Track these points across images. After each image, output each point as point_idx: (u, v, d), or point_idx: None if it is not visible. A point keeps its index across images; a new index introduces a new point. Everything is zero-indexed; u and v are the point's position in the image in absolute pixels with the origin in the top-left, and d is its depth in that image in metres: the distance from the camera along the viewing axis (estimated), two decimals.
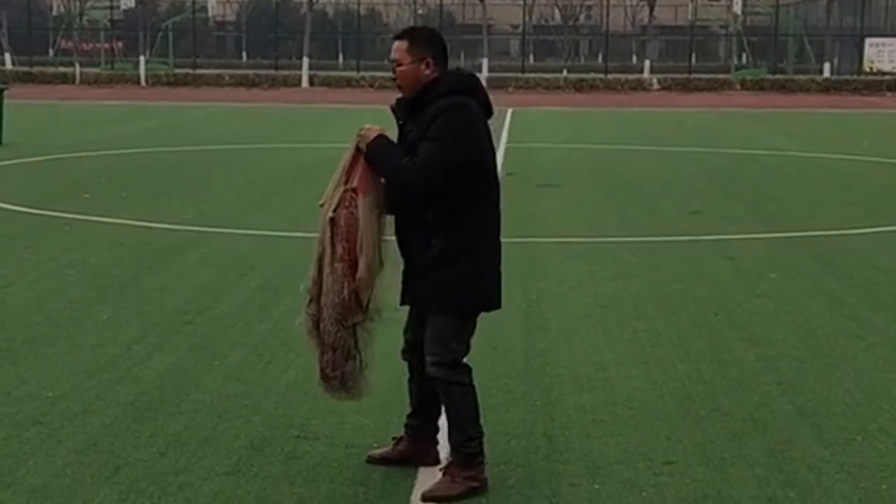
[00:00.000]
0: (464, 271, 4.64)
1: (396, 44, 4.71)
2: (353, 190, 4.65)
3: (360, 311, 4.73)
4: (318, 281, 4.73)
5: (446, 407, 4.79)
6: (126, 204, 13.09)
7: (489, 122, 4.76)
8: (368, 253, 4.64)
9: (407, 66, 4.65)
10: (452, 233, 4.62)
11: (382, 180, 4.70)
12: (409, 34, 4.73)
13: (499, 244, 4.81)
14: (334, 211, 4.65)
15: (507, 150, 20.18)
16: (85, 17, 60.60)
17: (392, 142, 4.71)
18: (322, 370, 4.83)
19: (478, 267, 4.69)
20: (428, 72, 4.65)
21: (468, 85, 4.71)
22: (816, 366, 6.71)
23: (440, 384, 4.74)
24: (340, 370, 4.79)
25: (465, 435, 4.74)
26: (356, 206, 4.64)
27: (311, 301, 4.77)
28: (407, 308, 4.91)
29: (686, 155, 20.19)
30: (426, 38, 4.71)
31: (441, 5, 58.13)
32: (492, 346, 6.76)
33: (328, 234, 4.66)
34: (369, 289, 4.71)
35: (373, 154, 4.65)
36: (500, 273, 4.82)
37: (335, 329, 4.72)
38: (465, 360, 4.77)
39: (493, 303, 4.81)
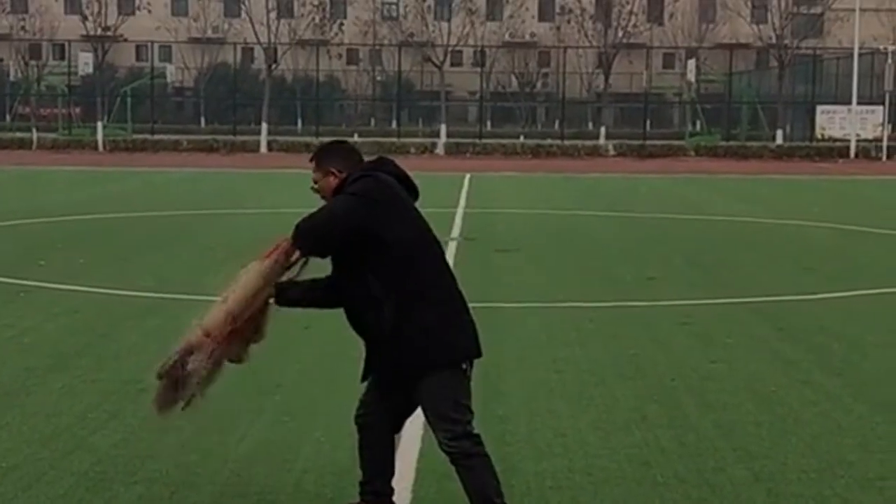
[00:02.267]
0: (420, 328, 4.61)
1: (311, 170, 4.95)
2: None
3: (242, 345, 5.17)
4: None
5: (467, 482, 4.69)
6: (83, 270, 13.01)
7: (417, 202, 4.84)
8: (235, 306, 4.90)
9: (319, 184, 4.90)
10: (396, 295, 4.61)
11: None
12: (313, 158, 4.94)
13: (453, 294, 4.76)
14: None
15: (465, 214, 20.29)
16: (43, 83, 60.44)
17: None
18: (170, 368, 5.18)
19: (431, 324, 4.63)
20: (336, 180, 4.84)
21: (374, 164, 4.87)
22: (772, 431, 6.75)
23: (458, 459, 4.66)
24: (186, 375, 5.09)
25: None
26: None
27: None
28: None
29: (642, 221, 20.38)
30: (326, 154, 4.92)
31: (399, 72, 58.56)
32: None
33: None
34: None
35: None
36: (464, 321, 4.76)
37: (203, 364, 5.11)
38: (474, 430, 4.72)
39: (462, 352, 4.73)
